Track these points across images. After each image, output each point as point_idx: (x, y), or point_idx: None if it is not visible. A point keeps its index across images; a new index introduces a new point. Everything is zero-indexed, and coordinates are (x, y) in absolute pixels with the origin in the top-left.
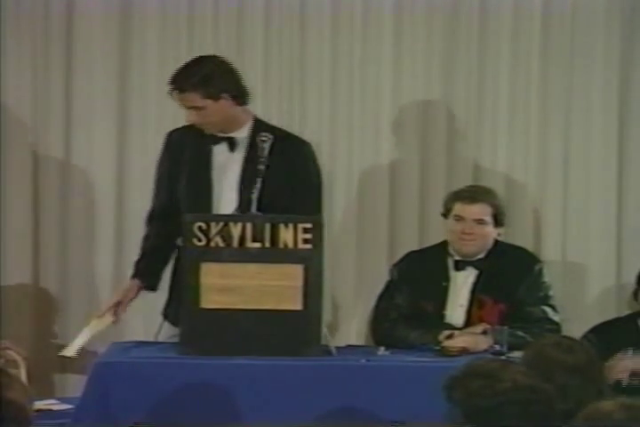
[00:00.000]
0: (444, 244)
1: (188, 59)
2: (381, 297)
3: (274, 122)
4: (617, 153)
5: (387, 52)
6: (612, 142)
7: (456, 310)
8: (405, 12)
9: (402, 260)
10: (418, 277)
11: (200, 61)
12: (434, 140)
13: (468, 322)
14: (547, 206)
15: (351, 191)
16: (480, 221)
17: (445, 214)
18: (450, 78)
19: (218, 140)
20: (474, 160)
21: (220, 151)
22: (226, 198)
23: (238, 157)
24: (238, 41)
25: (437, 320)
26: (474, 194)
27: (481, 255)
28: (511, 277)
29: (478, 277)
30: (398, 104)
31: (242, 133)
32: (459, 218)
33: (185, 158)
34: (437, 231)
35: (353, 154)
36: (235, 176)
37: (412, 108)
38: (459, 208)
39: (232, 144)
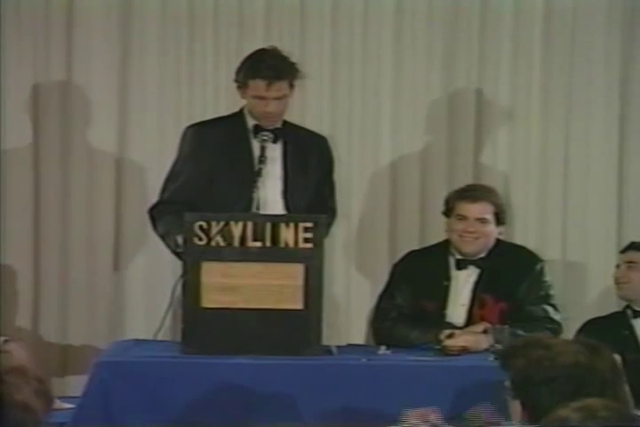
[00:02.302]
0: (445, 243)
1: (187, 57)
2: (382, 296)
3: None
4: (617, 153)
5: (387, 50)
6: (612, 142)
7: (457, 310)
8: (406, 10)
9: (403, 259)
10: (419, 277)
11: (271, 52)
12: (434, 138)
13: (469, 321)
14: (547, 206)
15: (351, 189)
16: (482, 220)
17: (447, 213)
18: (450, 77)
19: (257, 132)
20: (474, 159)
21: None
22: (272, 189)
23: (278, 148)
24: (238, 40)
25: (438, 319)
26: (476, 193)
27: (482, 254)
28: (512, 276)
29: (480, 277)
30: (398, 103)
31: (278, 125)
32: (461, 217)
33: (220, 153)
34: (438, 230)
35: (353, 152)
36: (278, 167)
37: (411, 106)
38: (461, 207)
39: (276, 135)
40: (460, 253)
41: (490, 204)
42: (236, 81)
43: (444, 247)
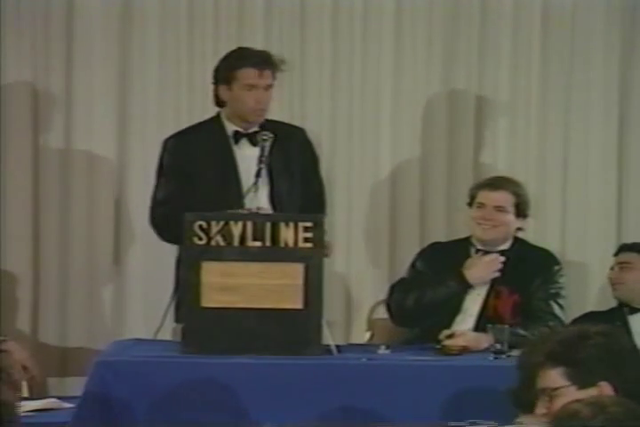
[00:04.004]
0: (467, 238)
1: (187, 59)
2: (399, 281)
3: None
4: (617, 152)
5: (387, 50)
6: (611, 142)
7: (474, 299)
8: (406, 10)
9: (425, 249)
10: (440, 265)
11: (251, 48)
12: (434, 138)
13: (484, 310)
14: (547, 206)
15: (351, 190)
16: (500, 209)
17: (470, 203)
18: (450, 77)
19: (238, 138)
20: (474, 159)
21: (240, 147)
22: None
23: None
24: (238, 41)
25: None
26: (496, 182)
27: (504, 246)
28: (529, 272)
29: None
30: (398, 102)
31: (256, 128)
32: (480, 205)
33: (202, 159)
34: (438, 231)
35: (353, 152)
36: (263, 172)
37: (411, 106)
38: (481, 195)
39: (254, 139)
40: (480, 243)
41: (510, 193)
42: (218, 79)
43: (466, 240)
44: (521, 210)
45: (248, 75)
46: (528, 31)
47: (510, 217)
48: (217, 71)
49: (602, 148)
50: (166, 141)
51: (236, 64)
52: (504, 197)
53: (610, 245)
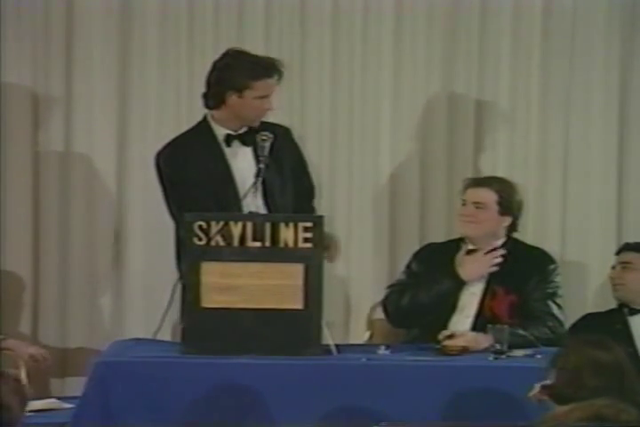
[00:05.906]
0: (460, 238)
1: (187, 59)
2: (394, 284)
3: (274, 120)
4: (617, 152)
5: (387, 50)
6: (611, 141)
7: (469, 299)
8: (406, 10)
9: (421, 249)
10: (435, 266)
11: (245, 51)
12: (434, 138)
13: (480, 311)
14: (547, 206)
15: (352, 189)
16: (479, 205)
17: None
18: (450, 77)
19: (230, 139)
20: (474, 160)
21: (233, 149)
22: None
23: (249, 152)
24: (238, 41)
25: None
26: (481, 179)
27: (495, 245)
28: (524, 272)
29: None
30: (398, 103)
31: (244, 129)
32: (463, 202)
33: (197, 167)
34: (438, 230)
35: (353, 152)
36: (254, 171)
37: (411, 107)
38: (464, 193)
39: (246, 139)
40: (470, 241)
41: (491, 190)
42: (226, 86)
43: (459, 240)
44: (504, 207)
45: (264, 86)
46: (528, 32)
47: (491, 214)
48: (226, 79)
49: (602, 148)
50: (159, 156)
51: (253, 75)
52: (484, 194)
53: (610, 245)
